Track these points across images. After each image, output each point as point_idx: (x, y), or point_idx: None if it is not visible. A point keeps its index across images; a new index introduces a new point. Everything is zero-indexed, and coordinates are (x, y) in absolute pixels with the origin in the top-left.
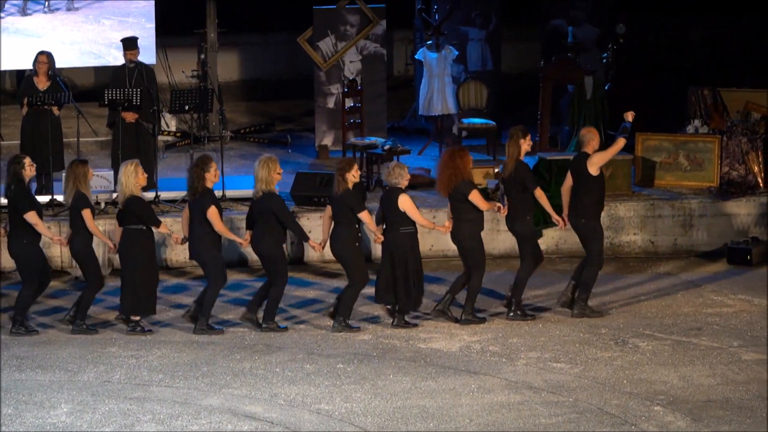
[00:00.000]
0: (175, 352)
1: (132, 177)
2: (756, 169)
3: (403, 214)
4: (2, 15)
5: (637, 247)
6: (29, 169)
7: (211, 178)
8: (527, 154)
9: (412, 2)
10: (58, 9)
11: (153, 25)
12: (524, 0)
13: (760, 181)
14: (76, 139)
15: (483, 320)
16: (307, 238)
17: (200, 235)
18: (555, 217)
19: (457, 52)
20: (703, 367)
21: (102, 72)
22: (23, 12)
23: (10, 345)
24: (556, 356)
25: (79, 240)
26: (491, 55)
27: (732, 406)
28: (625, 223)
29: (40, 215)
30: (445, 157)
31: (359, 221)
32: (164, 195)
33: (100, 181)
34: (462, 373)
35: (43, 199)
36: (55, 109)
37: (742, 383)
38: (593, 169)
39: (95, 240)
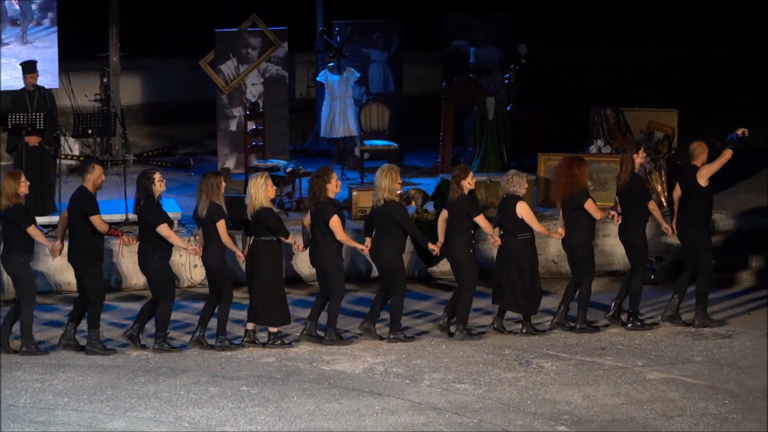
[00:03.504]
0: (80, 375)
1: (262, 189)
2: (659, 188)
3: (521, 221)
4: None
5: (541, 267)
6: (159, 185)
7: (333, 188)
8: (434, 174)
9: (314, 24)
10: None
11: (56, 49)
12: (426, 22)
13: (663, 200)
14: None
15: (596, 329)
16: (427, 243)
17: (323, 245)
18: (664, 226)
19: (358, 74)
20: (608, 387)
21: None
22: None
23: None
24: (460, 377)
25: (213, 252)
26: (393, 77)
27: (636, 425)
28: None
29: (171, 227)
30: (563, 165)
31: (475, 227)
32: None
33: None
34: (366, 394)
35: None
36: None
37: (647, 402)
38: (703, 180)
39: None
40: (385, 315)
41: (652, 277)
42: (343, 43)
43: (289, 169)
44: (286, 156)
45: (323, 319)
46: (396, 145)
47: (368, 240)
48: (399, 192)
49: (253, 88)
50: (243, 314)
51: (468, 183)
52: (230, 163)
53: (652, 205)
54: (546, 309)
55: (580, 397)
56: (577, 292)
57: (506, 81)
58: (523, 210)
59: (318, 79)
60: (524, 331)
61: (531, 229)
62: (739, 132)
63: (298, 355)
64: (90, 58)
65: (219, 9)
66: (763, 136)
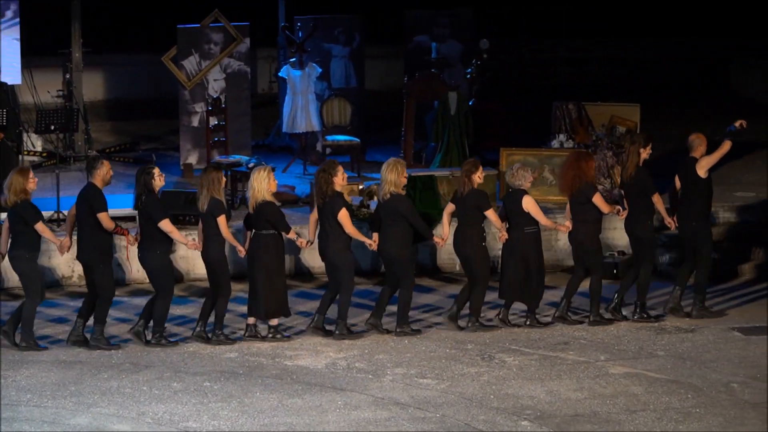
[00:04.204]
0: (43, 371)
1: (264, 182)
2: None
3: (527, 215)
4: None
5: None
6: (159, 179)
7: (339, 181)
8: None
9: (276, 20)
10: None
11: (18, 46)
12: (387, 17)
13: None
14: None
15: (610, 322)
16: (432, 236)
17: (332, 239)
18: (667, 219)
19: (320, 70)
20: (570, 382)
21: None
22: None
23: None
24: (423, 372)
25: (213, 246)
26: (355, 72)
27: (599, 420)
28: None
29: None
30: (570, 159)
31: (484, 221)
32: None
33: None
34: (328, 389)
35: None
36: None
37: (610, 397)
38: (702, 172)
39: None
40: (392, 308)
41: (615, 271)
42: (304, 39)
43: (251, 165)
44: (249, 151)
45: (332, 312)
46: (358, 140)
47: (375, 235)
48: (404, 185)
49: (216, 84)
50: (246, 308)
51: (478, 177)
52: (192, 159)
53: (656, 198)
54: (551, 302)
55: (543, 391)
56: (578, 286)
57: (468, 76)
58: (529, 204)
59: (280, 74)
60: (528, 323)
61: (537, 223)
62: (737, 123)
63: (261, 351)
64: (52, 55)
65: (181, 5)
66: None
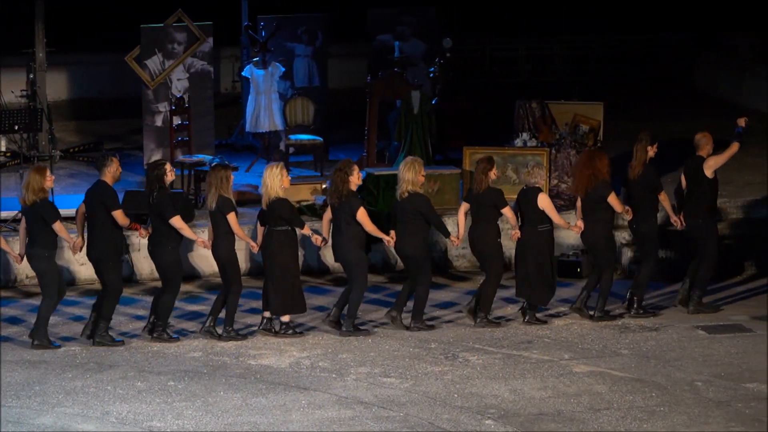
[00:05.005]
0: (7, 371)
1: (277, 179)
2: None
3: (542, 213)
4: None
5: (466, 261)
6: (170, 175)
7: (355, 180)
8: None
9: (239, 19)
10: None
11: None
12: (350, 16)
13: None
14: None
15: (614, 318)
16: (449, 235)
17: (347, 237)
18: (673, 217)
19: (283, 69)
20: (534, 380)
21: None
22: None
23: None
24: (386, 371)
25: (223, 244)
26: (318, 71)
27: (563, 419)
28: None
29: (184, 220)
30: (584, 158)
31: (500, 217)
32: None
33: None
34: (292, 389)
35: None
36: None
37: (573, 395)
38: (709, 171)
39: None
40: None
41: (579, 270)
42: (267, 38)
43: (214, 164)
44: (212, 151)
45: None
46: (321, 139)
47: (392, 233)
48: (422, 183)
49: (179, 83)
50: (260, 304)
51: (494, 174)
52: (156, 158)
53: (663, 196)
54: (562, 299)
55: (507, 390)
56: (597, 282)
57: (431, 74)
58: (544, 202)
59: (243, 73)
60: (527, 320)
61: (550, 221)
62: (742, 123)
63: (225, 350)
64: (16, 54)
65: (144, 4)
66: (683, 128)
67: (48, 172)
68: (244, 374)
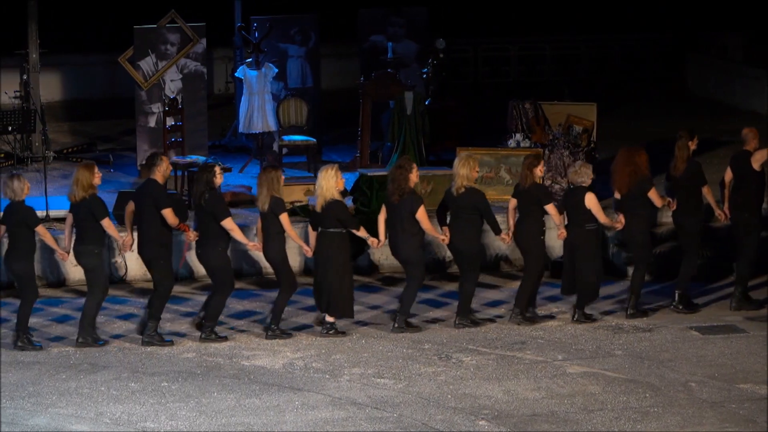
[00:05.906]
0: (1, 372)
1: (332, 180)
2: None
3: (588, 212)
4: None
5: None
6: (219, 177)
7: (414, 178)
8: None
9: (232, 20)
10: None
11: None
12: (343, 17)
13: None
14: None
15: (646, 314)
16: (500, 232)
17: (407, 235)
18: (717, 211)
19: (276, 70)
20: (528, 381)
21: None
22: None
23: None
24: (380, 372)
25: (274, 245)
26: (311, 72)
27: (557, 420)
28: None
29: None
30: (624, 156)
31: (545, 214)
32: None
33: None
34: (286, 390)
35: None
36: None
37: (567, 396)
38: (757, 165)
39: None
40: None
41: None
42: (261, 39)
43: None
44: (205, 152)
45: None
46: (314, 140)
47: (446, 229)
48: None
49: (172, 84)
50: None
51: (540, 170)
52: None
53: (706, 190)
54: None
55: (501, 391)
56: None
57: (424, 75)
58: (591, 201)
59: (236, 74)
60: (575, 318)
61: (596, 220)
62: None
63: (218, 351)
64: (9, 55)
65: (138, 5)
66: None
67: (96, 169)
68: (237, 375)
